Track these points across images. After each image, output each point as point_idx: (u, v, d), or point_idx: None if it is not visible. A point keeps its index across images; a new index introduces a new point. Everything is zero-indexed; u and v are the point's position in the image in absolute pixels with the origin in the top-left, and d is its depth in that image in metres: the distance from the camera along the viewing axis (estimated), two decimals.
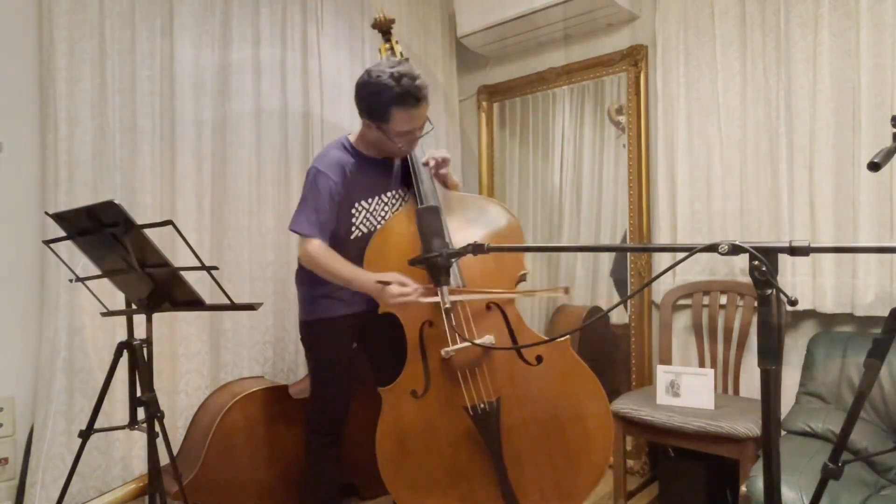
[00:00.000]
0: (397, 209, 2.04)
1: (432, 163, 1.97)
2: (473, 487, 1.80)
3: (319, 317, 2.01)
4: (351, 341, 2.07)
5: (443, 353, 1.83)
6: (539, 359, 1.87)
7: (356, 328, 2.04)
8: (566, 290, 1.83)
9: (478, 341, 1.84)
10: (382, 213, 2.02)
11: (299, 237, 1.92)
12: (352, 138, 2.00)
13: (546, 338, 1.94)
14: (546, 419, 1.84)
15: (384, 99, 1.78)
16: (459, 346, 1.82)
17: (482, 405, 1.81)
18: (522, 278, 1.97)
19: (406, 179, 2.06)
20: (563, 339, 1.89)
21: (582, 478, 1.83)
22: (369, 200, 1.99)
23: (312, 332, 2.05)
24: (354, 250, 1.95)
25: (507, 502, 1.79)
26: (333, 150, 1.97)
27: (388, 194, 2.03)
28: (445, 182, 2.06)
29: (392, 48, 2.19)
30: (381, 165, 2.02)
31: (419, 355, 1.86)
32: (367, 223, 2.00)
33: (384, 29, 2.20)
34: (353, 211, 1.97)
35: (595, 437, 1.84)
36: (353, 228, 1.97)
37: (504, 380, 1.85)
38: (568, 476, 1.83)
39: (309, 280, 2.01)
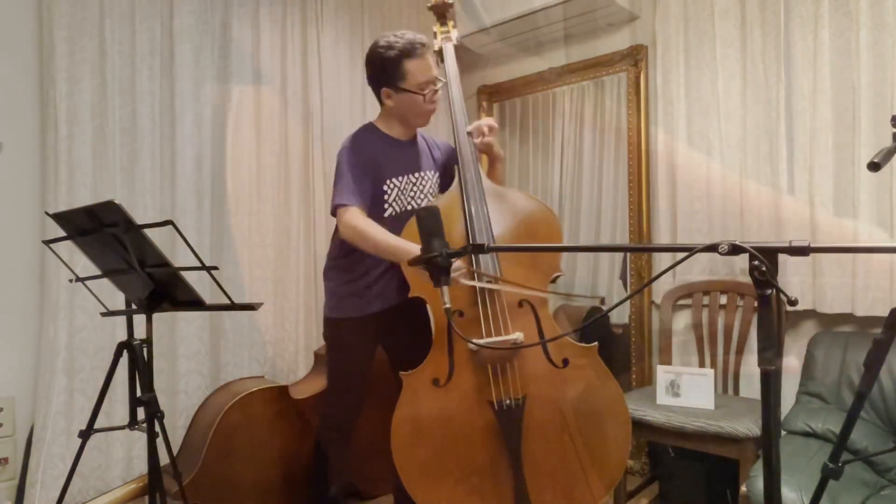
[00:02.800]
0: (427, 191, 2.06)
1: (476, 131, 1.95)
2: (485, 482, 1.79)
3: (347, 315, 2.00)
4: (375, 341, 2.06)
5: (470, 345, 1.82)
6: (566, 362, 1.85)
7: (382, 323, 2.03)
8: (602, 301, 1.80)
9: (498, 339, 1.82)
10: (412, 193, 2.02)
11: (339, 213, 1.88)
12: (376, 122, 2.04)
13: (562, 332, 1.93)
14: (566, 422, 1.83)
15: (394, 55, 1.87)
16: (490, 340, 1.81)
17: (508, 401, 1.79)
18: (555, 280, 1.97)
19: (432, 162, 2.11)
20: (592, 344, 1.88)
21: (595, 484, 1.83)
22: (400, 178, 1.99)
23: (337, 330, 2.04)
24: (389, 229, 1.94)
25: (517, 501, 1.79)
26: (358, 132, 2.02)
27: (417, 174, 2.03)
28: (490, 151, 2.02)
29: (448, 32, 2.13)
30: (408, 146, 2.04)
31: (445, 345, 1.84)
32: (400, 201, 1.99)
33: (440, 12, 2.15)
34: (385, 188, 1.96)
35: (612, 444, 1.83)
36: (387, 206, 1.97)
37: (531, 379, 1.84)
38: (581, 481, 1.82)
39: (338, 276, 2.01)
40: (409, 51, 1.87)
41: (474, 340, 1.81)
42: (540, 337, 1.88)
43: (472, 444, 1.79)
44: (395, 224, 1.96)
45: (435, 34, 2.15)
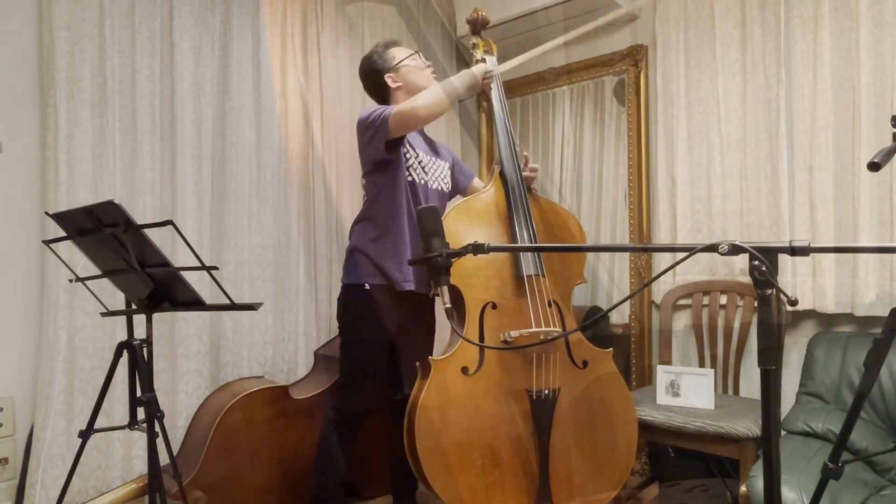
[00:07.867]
0: (441, 176, 2.17)
1: (528, 170, 2.12)
2: (506, 474, 1.82)
3: (385, 282, 1.99)
4: (394, 326, 2.03)
5: (502, 337, 1.86)
6: (585, 363, 1.95)
7: (406, 304, 2.02)
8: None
9: (527, 332, 1.89)
10: (436, 175, 2.14)
11: (392, 113, 1.90)
12: None
13: (578, 326, 2.06)
14: (582, 421, 1.91)
15: (380, 50, 2.16)
16: (522, 332, 1.87)
17: (547, 391, 1.85)
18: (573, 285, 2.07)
19: (445, 155, 2.28)
20: (608, 350, 2.00)
21: (605, 482, 1.89)
22: (429, 156, 2.14)
23: (371, 298, 1.99)
24: (404, 196, 2.01)
25: (540, 492, 1.81)
26: None
27: (435, 158, 2.18)
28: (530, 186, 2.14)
29: (490, 46, 2.24)
30: (423, 133, 2.22)
31: (476, 334, 1.89)
32: (418, 172, 2.08)
33: (476, 28, 2.27)
34: (405, 150, 2.03)
35: (621, 446, 1.93)
36: (408, 169, 2.04)
37: (561, 374, 1.91)
38: (593, 479, 1.89)
39: (371, 231, 2.02)
40: (388, 43, 2.18)
41: (508, 335, 1.88)
42: (564, 337, 1.98)
43: (498, 435, 1.83)
44: (412, 191, 2.03)
45: (475, 45, 2.24)
